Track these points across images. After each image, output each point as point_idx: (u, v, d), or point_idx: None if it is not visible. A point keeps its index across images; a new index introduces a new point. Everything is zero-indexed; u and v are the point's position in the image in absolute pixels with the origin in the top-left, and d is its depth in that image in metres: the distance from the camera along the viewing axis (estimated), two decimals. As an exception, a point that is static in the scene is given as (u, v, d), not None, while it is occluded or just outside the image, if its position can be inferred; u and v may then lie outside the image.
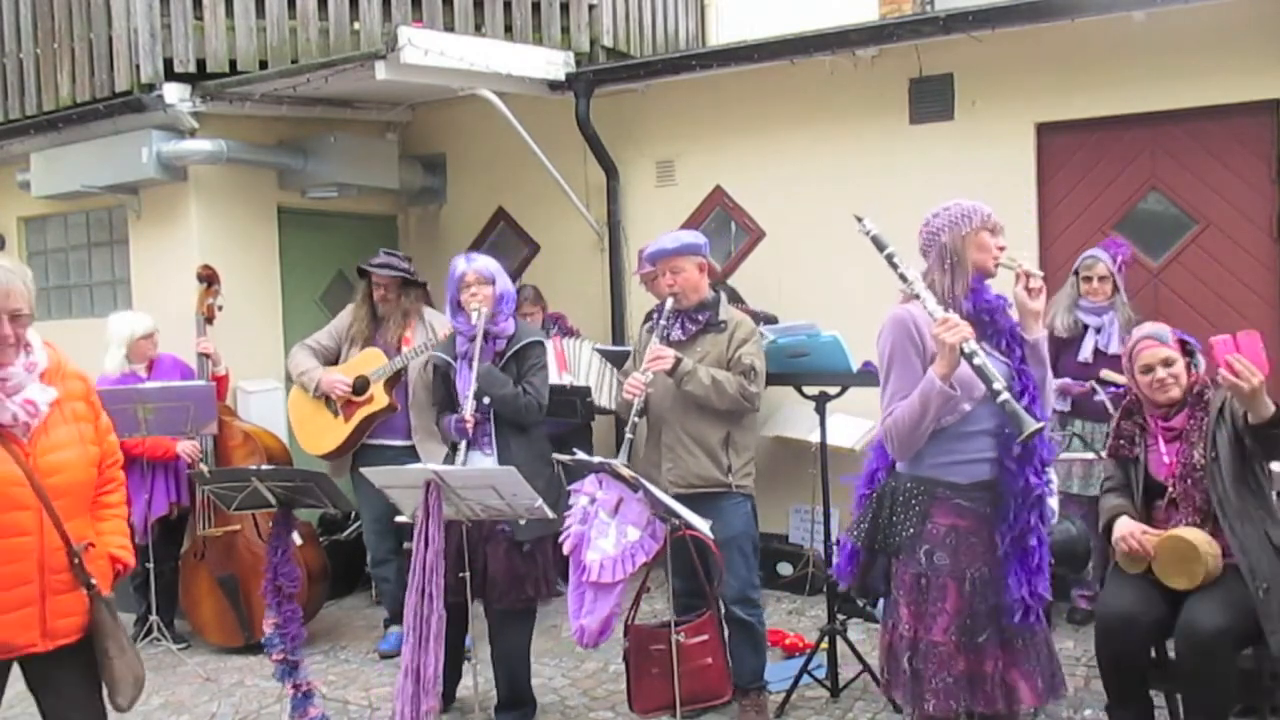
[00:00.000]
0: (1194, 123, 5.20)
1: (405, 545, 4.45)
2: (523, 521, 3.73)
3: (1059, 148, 5.49)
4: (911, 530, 2.88)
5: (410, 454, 4.85)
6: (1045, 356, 2.95)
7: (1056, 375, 4.87)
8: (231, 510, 3.92)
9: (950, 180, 5.27)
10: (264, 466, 4.44)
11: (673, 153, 6.46)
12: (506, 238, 7.06)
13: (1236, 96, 5.05)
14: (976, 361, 2.71)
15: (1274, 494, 3.55)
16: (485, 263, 4.12)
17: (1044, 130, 5.49)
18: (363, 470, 3.83)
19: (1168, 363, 3.48)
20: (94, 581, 2.70)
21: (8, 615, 2.61)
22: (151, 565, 5.06)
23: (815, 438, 4.68)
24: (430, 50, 5.45)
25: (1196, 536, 3.30)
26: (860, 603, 4.92)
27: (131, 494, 5.46)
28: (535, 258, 6.94)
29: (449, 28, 6.20)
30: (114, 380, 5.19)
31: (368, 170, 6.59)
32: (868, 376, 4.33)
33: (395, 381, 5.00)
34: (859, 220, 2.97)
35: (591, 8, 6.53)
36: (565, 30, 6.48)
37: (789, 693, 4.23)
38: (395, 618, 4.93)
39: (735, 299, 5.56)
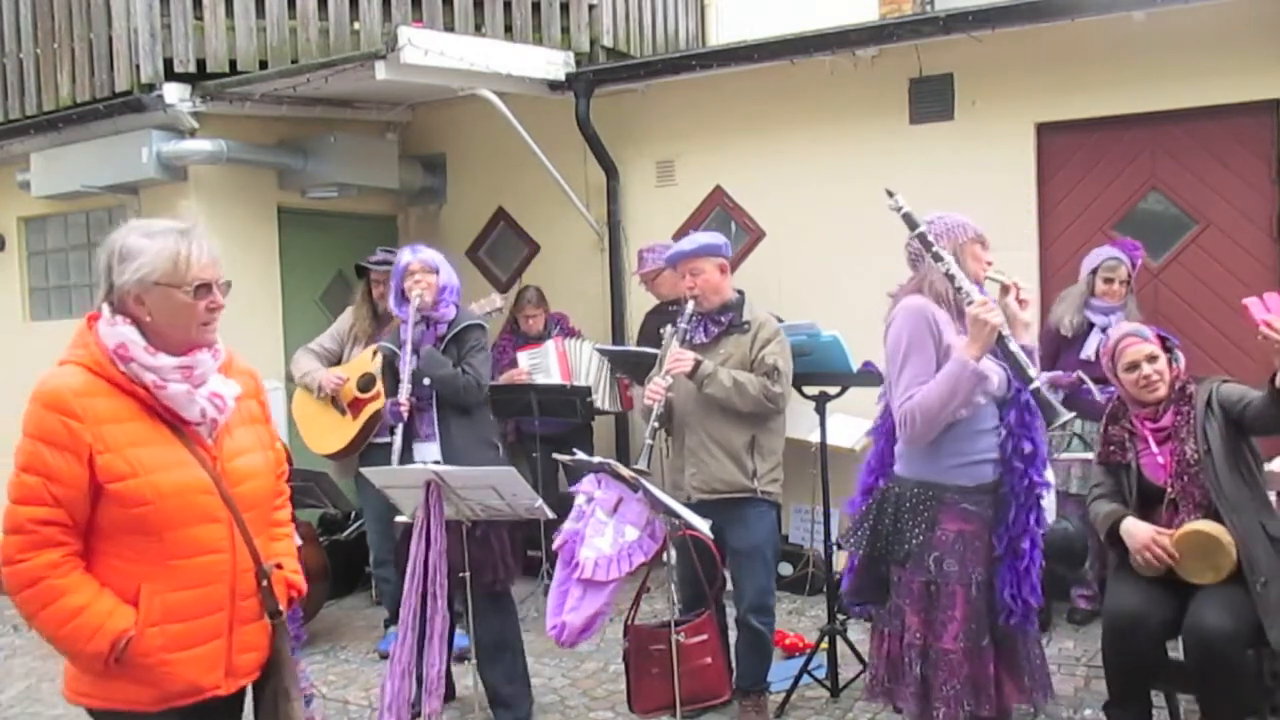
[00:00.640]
0: (1194, 123, 5.20)
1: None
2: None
3: (1059, 148, 5.49)
4: (920, 538, 2.86)
5: None
6: (1036, 363, 2.96)
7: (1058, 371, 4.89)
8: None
9: (950, 180, 5.28)
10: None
11: (673, 153, 6.46)
12: (506, 238, 7.06)
13: (1236, 96, 5.05)
14: (1012, 346, 2.71)
15: (1273, 494, 3.55)
16: (430, 254, 4.19)
17: (1044, 130, 5.49)
18: (363, 470, 3.83)
19: (1152, 358, 3.45)
20: (280, 608, 2.31)
21: (197, 650, 2.16)
22: None
23: (815, 438, 4.68)
24: (430, 50, 5.46)
25: (1214, 527, 3.24)
26: (851, 612, 4.91)
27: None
28: (535, 258, 6.94)
29: (449, 28, 6.20)
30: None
31: (368, 170, 6.59)
32: (868, 376, 4.34)
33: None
34: (890, 195, 2.87)
35: (591, 8, 6.53)
36: (565, 30, 6.48)
37: (789, 693, 4.23)
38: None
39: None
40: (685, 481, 3.93)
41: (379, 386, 4.97)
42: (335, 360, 5.18)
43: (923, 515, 2.87)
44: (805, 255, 5.99)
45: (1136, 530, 3.36)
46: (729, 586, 4.07)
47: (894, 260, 3.19)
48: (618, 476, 3.53)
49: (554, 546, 3.66)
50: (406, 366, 4.07)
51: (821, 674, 4.35)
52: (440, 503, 3.53)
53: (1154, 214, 5.37)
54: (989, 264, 2.98)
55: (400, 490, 3.69)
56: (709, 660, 3.58)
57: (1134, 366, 3.46)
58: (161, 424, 2.16)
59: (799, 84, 5.94)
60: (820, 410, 4.43)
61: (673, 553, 3.66)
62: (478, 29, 6.30)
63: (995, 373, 2.81)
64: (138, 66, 5.83)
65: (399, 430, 4.10)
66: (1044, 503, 2.99)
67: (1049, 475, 2.99)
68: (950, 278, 2.80)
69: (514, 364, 6.00)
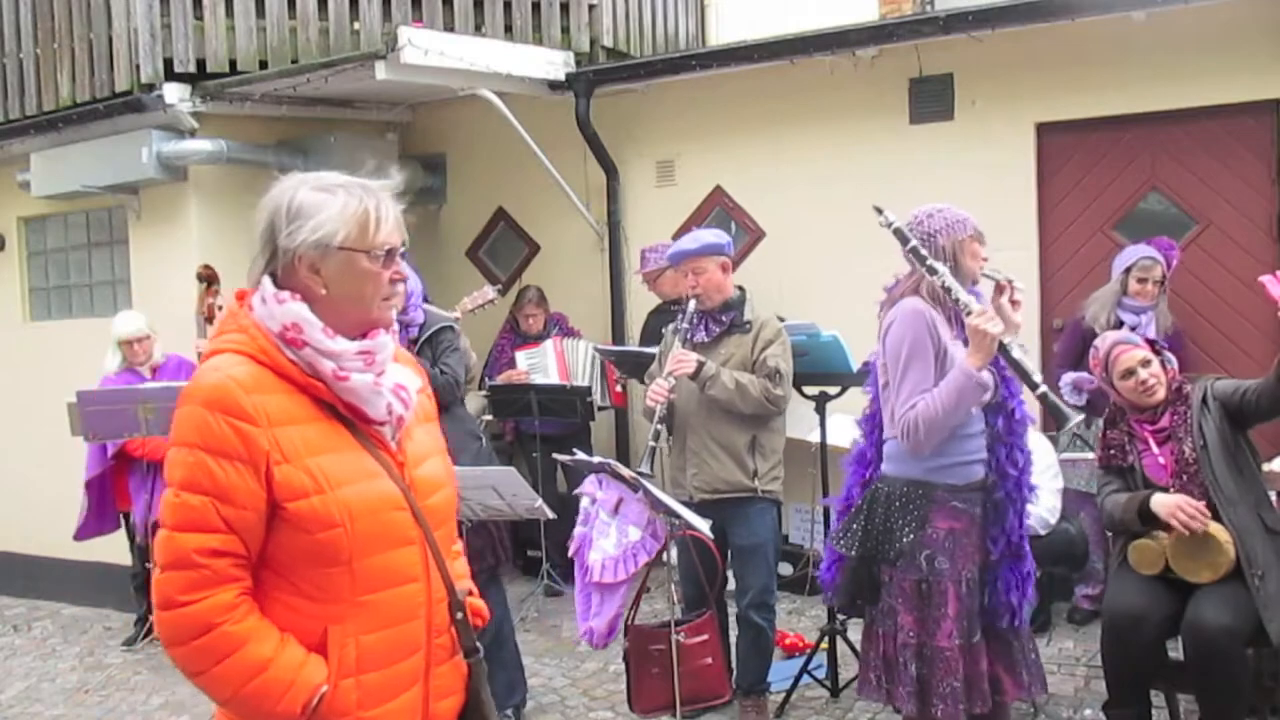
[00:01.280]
0: (1194, 123, 5.20)
1: None
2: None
3: (1059, 148, 5.49)
4: (911, 536, 2.87)
5: None
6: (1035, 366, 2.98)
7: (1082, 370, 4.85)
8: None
9: (950, 180, 5.28)
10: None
11: (673, 153, 6.45)
12: (506, 238, 7.06)
13: (1236, 96, 5.04)
14: (1015, 354, 2.71)
15: (1274, 494, 3.56)
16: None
17: (1044, 130, 5.49)
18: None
19: (1145, 363, 3.46)
20: (479, 645, 1.85)
21: (395, 702, 1.74)
22: (153, 565, 5.05)
23: (815, 438, 4.69)
24: (430, 50, 5.46)
25: (1212, 526, 3.26)
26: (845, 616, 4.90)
27: (132, 494, 5.54)
28: (535, 258, 6.94)
29: (449, 28, 6.19)
30: (114, 380, 5.19)
31: (367, 170, 6.58)
32: (868, 377, 4.33)
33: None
34: (879, 212, 2.88)
35: (591, 8, 6.53)
36: (565, 30, 6.48)
37: (789, 693, 4.23)
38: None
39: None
40: (687, 481, 3.93)
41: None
42: None
43: (913, 514, 2.88)
44: (805, 255, 5.99)
45: (1165, 498, 3.35)
46: (730, 585, 4.08)
47: (894, 260, 3.19)
48: (618, 477, 3.53)
49: (569, 554, 3.67)
50: None
51: (821, 674, 4.35)
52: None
53: (1154, 214, 5.36)
54: (985, 259, 2.98)
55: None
56: (709, 660, 3.58)
57: (1130, 373, 3.46)
58: (341, 425, 1.74)
59: (799, 84, 5.94)
60: (820, 410, 4.43)
61: (673, 552, 3.66)
62: (478, 29, 6.30)
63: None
64: (138, 66, 5.82)
65: None
66: (1030, 506, 3.03)
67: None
68: (947, 290, 2.80)
69: (512, 363, 6.00)
